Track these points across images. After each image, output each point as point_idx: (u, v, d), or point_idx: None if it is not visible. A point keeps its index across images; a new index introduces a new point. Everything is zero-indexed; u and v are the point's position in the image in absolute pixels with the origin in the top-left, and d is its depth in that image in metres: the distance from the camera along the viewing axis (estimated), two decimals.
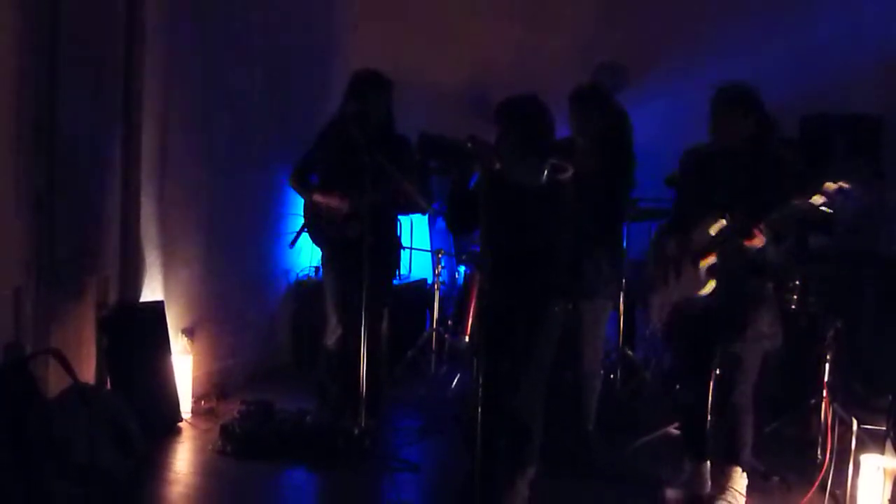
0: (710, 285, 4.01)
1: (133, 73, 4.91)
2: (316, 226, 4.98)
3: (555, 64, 6.94)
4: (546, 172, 3.79)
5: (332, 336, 5.02)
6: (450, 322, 6.29)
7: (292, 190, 5.22)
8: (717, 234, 3.99)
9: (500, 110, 3.98)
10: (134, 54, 4.90)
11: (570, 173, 3.86)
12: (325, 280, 5.12)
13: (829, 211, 3.74)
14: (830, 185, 3.65)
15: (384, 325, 5.13)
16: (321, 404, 5.05)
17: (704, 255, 4.01)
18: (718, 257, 3.98)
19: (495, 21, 7.18)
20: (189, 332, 5.40)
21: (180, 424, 5.06)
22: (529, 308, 3.83)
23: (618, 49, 6.93)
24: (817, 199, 3.69)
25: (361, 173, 4.64)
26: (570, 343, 4.47)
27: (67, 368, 3.92)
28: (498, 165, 3.67)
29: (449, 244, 6.78)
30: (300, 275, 6.60)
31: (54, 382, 4.17)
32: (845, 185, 3.65)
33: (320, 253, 5.24)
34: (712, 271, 4.01)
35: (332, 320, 5.02)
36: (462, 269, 6.46)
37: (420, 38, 7.22)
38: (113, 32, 4.79)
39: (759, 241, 3.86)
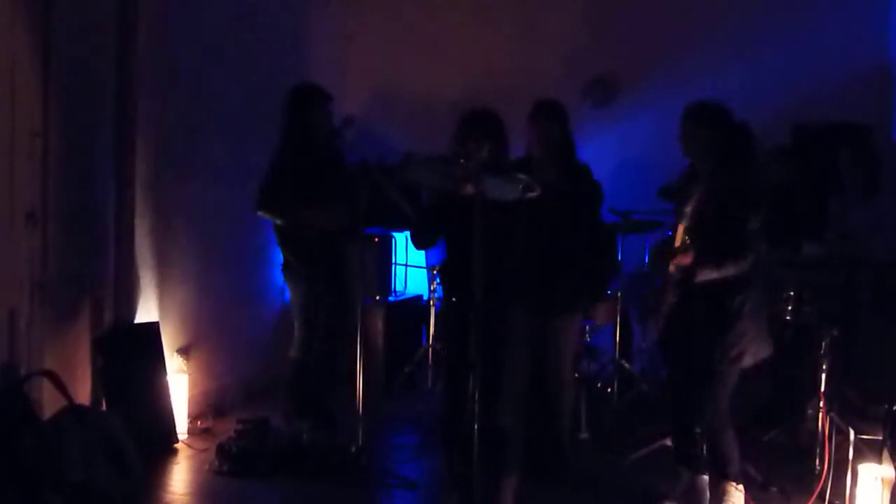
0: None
1: (126, 92, 4.92)
2: (294, 245, 4.97)
3: (547, 77, 6.96)
4: (517, 189, 3.86)
5: (295, 350, 5.07)
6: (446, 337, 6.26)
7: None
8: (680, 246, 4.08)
9: (471, 126, 4.07)
10: (127, 73, 4.91)
11: (538, 191, 3.92)
12: (296, 297, 5.09)
13: None
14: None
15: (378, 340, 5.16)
16: (316, 421, 5.04)
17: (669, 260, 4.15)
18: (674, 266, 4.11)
19: (488, 34, 7.22)
20: (184, 352, 5.39)
21: (176, 444, 5.04)
22: (500, 318, 3.89)
23: (609, 62, 6.96)
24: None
25: (344, 188, 4.70)
26: (542, 355, 4.50)
27: (62, 389, 3.92)
28: (472, 186, 3.73)
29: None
30: None
31: (49, 404, 4.15)
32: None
33: (288, 269, 5.11)
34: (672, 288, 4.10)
35: (299, 334, 5.05)
36: None
37: (414, 51, 7.27)
38: (105, 52, 4.80)
39: (685, 260, 4.00)
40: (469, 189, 3.73)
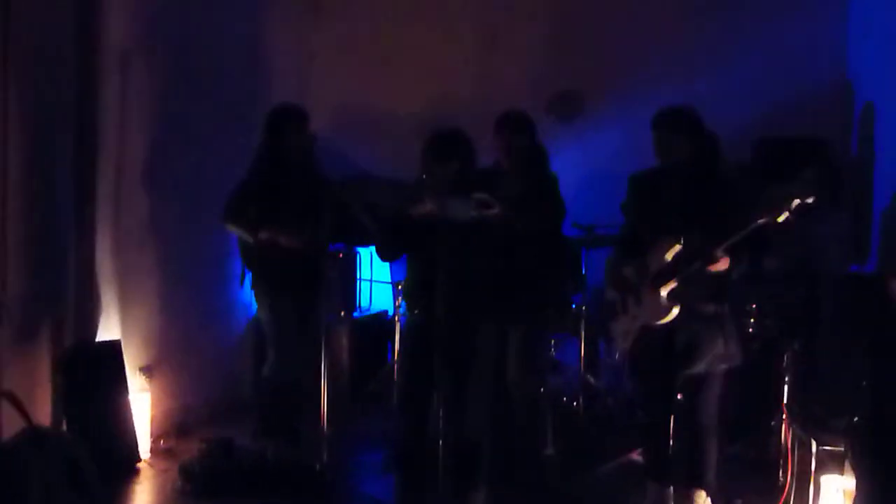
0: (674, 312, 4.03)
1: (87, 109, 4.87)
2: (258, 262, 4.95)
3: (510, 92, 6.99)
4: (473, 209, 3.89)
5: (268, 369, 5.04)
6: None
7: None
8: (674, 259, 4.03)
9: (428, 148, 4.13)
10: (88, 90, 4.86)
11: (495, 210, 3.96)
12: (268, 315, 5.06)
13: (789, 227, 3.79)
14: (795, 201, 3.68)
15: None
16: (280, 440, 5.00)
17: (665, 282, 4.03)
18: (679, 282, 4.00)
19: (451, 50, 7.24)
20: (147, 371, 5.32)
21: (139, 465, 4.98)
22: (462, 334, 3.93)
23: (573, 76, 7.01)
24: (782, 218, 3.71)
25: (312, 207, 4.69)
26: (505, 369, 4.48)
27: (21, 411, 3.84)
28: (430, 205, 3.76)
29: None
30: None
31: (8, 425, 4.07)
32: (809, 200, 3.68)
33: (256, 286, 5.10)
34: (674, 297, 4.04)
35: (272, 354, 5.02)
36: None
37: (376, 67, 7.27)
38: (65, 67, 4.75)
39: (724, 265, 3.91)
40: (426, 208, 3.80)
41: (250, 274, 5.04)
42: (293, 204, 4.85)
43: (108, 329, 5.07)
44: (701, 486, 4.16)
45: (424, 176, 4.27)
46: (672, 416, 4.16)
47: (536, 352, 4.69)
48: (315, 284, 4.94)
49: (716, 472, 4.26)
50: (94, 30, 4.85)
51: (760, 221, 3.73)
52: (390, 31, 7.31)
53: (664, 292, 4.04)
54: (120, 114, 5.12)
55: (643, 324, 4.17)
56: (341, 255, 6.47)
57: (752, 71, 6.53)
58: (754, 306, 5.12)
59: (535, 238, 4.48)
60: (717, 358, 4.08)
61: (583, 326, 5.78)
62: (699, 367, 4.08)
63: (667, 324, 4.05)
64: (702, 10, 6.78)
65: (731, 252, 3.86)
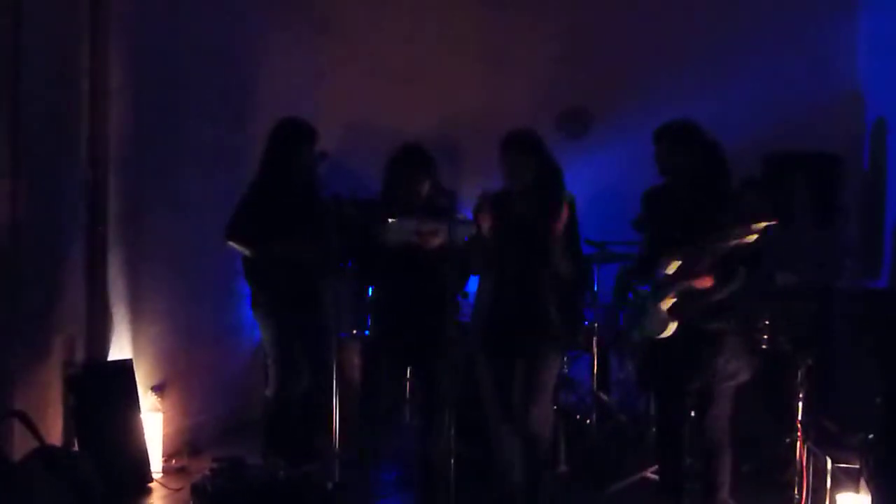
0: (672, 327, 4.03)
1: (99, 125, 4.89)
2: (261, 279, 4.94)
3: (519, 110, 7.01)
4: (410, 235, 3.95)
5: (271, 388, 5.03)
6: None
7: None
8: (674, 275, 4.03)
9: (413, 164, 4.21)
10: (99, 109, 4.88)
11: (438, 241, 4.01)
12: (269, 334, 5.02)
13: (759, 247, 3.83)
14: (760, 224, 3.74)
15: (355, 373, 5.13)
16: (294, 459, 4.98)
17: (664, 296, 4.04)
18: (677, 297, 4.01)
19: (460, 68, 7.27)
20: (159, 389, 5.33)
21: (151, 484, 4.98)
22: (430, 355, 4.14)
23: (581, 94, 7.03)
24: (751, 238, 3.76)
25: (317, 223, 4.70)
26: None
27: (33, 430, 3.85)
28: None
29: None
30: None
31: (20, 445, 4.07)
32: (773, 222, 3.74)
33: (257, 304, 5.04)
34: (673, 312, 4.04)
35: (273, 371, 5.01)
36: None
37: (385, 86, 7.29)
38: (77, 88, 4.78)
39: (707, 282, 3.91)
40: (435, 242, 3.91)
41: (250, 291, 5.02)
42: (296, 220, 4.82)
43: (120, 348, 5.08)
44: (715, 501, 4.13)
45: (398, 192, 4.34)
46: (683, 433, 4.15)
47: (553, 373, 4.36)
48: (319, 302, 4.94)
49: (730, 489, 4.23)
50: (105, 48, 4.87)
51: (731, 244, 3.76)
52: (398, 51, 7.34)
53: (664, 307, 4.04)
54: (132, 132, 5.15)
55: (648, 339, 4.17)
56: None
57: (763, 86, 6.53)
58: (767, 322, 5.09)
59: (550, 258, 4.22)
60: (720, 375, 4.05)
61: (595, 343, 5.76)
62: (699, 384, 4.07)
63: (669, 338, 4.05)
64: (711, 26, 6.79)
65: (715, 270, 3.89)
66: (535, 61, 7.16)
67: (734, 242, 3.80)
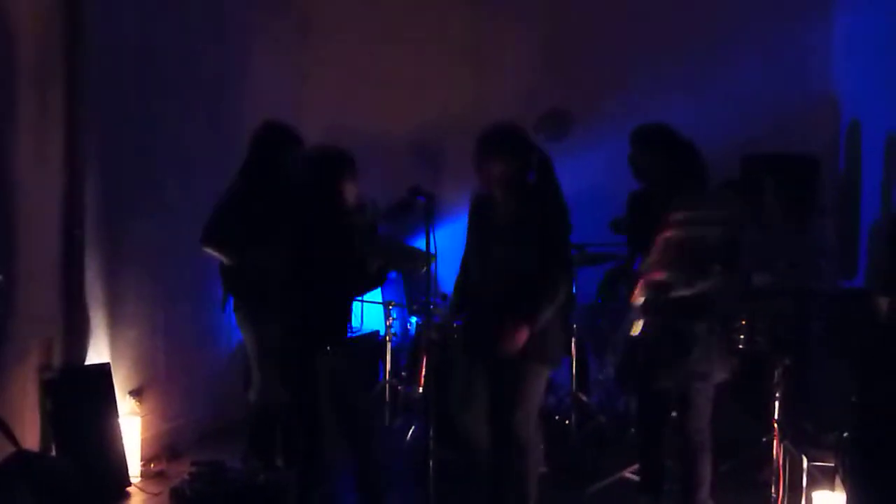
0: (639, 325, 4.07)
1: (75, 130, 4.86)
2: (240, 285, 4.90)
3: (500, 112, 6.97)
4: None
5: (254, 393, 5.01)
6: (403, 373, 6.24)
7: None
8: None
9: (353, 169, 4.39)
10: (76, 111, 4.85)
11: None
12: (251, 339, 4.98)
13: None
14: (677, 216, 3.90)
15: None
16: (271, 462, 4.97)
17: (634, 296, 4.09)
18: (648, 298, 4.06)
19: (442, 71, 7.30)
20: (137, 393, 5.30)
21: (129, 488, 4.95)
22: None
23: (561, 96, 7.06)
24: (670, 234, 3.92)
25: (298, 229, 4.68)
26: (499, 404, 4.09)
27: (9, 435, 3.83)
28: None
29: (400, 295, 6.77)
30: None
31: None
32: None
33: (239, 311, 4.99)
34: (641, 311, 4.09)
35: (257, 377, 4.99)
36: (414, 319, 6.44)
37: (368, 89, 7.31)
38: (53, 89, 4.75)
39: (657, 275, 3.99)
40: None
41: (232, 298, 4.97)
42: (275, 226, 4.77)
43: (98, 352, 5.05)
44: (695, 501, 4.15)
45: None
46: (661, 433, 4.18)
47: (530, 387, 4.09)
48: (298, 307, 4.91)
49: (709, 489, 4.26)
50: (82, 47, 4.84)
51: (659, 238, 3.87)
52: (381, 52, 7.35)
53: (635, 304, 4.09)
54: (110, 134, 5.12)
55: (623, 337, 4.21)
56: None
57: (739, 88, 6.58)
58: (744, 322, 5.12)
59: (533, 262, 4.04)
60: (693, 375, 4.07)
61: (574, 345, 5.78)
62: (671, 383, 4.10)
63: (646, 338, 4.09)
64: (689, 30, 6.84)
65: (672, 265, 3.93)
66: (516, 63, 7.19)
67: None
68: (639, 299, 4.08)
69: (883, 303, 3.28)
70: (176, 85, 5.73)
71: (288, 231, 4.34)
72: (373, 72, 7.34)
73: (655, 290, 4.04)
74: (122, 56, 5.21)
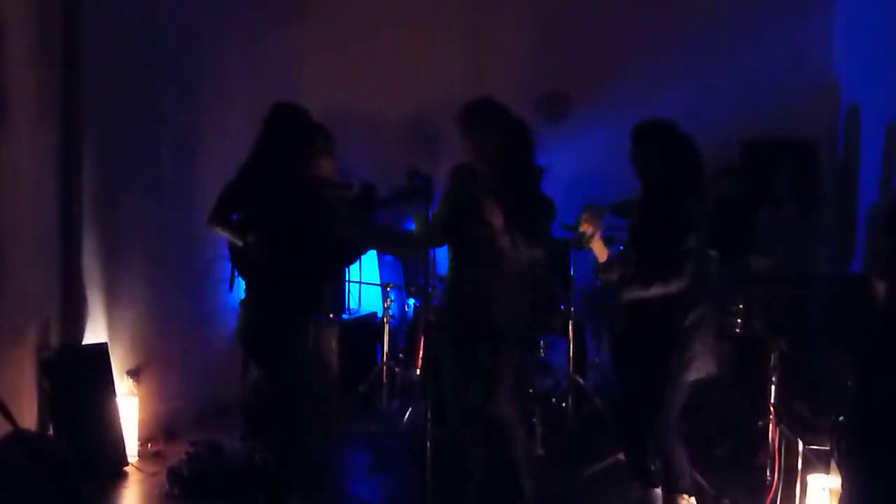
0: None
1: (73, 110, 4.84)
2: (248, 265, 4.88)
3: (498, 93, 6.96)
4: None
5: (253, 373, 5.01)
6: (400, 355, 6.26)
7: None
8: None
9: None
10: (74, 91, 4.83)
11: None
12: None
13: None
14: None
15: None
16: (268, 442, 4.98)
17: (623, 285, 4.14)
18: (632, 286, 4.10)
19: (440, 52, 7.26)
20: (134, 374, 5.30)
21: (126, 468, 4.95)
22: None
23: (560, 78, 7.03)
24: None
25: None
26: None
27: (7, 415, 3.83)
28: None
29: (398, 278, 6.77)
30: None
31: None
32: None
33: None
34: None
35: None
36: (411, 301, 6.45)
37: (365, 70, 7.29)
38: (51, 69, 4.72)
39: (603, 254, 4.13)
40: None
41: (240, 278, 4.96)
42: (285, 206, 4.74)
43: (95, 332, 5.05)
44: (677, 492, 4.14)
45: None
46: (644, 422, 4.15)
47: (510, 372, 4.07)
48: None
49: (703, 472, 4.27)
50: (79, 31, 4.82)
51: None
52: (379, 34, 7.32)
53: (626, 295, 4.09)
54: (107, 116, 5.11)
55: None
56: None
57: (739, 73, 6.57)
58: (741, 307, 5.13)
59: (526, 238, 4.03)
60: (672, 371, 4.04)
61: (571, 327, 5.79)
62: (650, 379, 4.07)
63: (630, 333, 4.10)
64: (690, 13, 6.81)
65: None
66: (515, 45, 7.16)
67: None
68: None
69: (880, 287, 3.27)
70: (174, 66, 5.71)
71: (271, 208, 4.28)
72: (370, 53, 7.32)
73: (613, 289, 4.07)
74: (120, 37, 5.19)
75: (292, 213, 4.17)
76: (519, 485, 4.10)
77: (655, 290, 3.98)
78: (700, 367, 4.05)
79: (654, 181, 4.12)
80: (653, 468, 4.22)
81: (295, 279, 4.19)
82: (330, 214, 4.23)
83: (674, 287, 3.95)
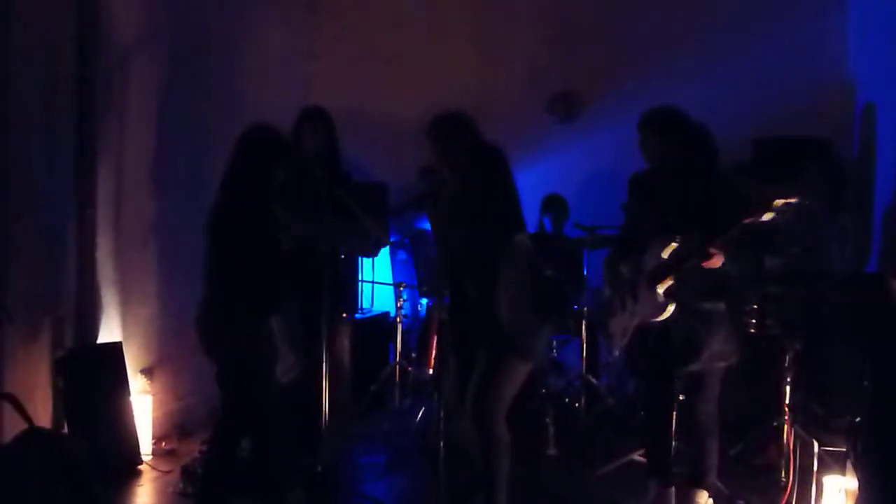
0: (670, 309, 4.04)
1: (88, 108, 4.85)
2: None
3: (511, 93, 7.02)
4: None
5: (287, 373, 4.99)
6: (413, 355, 6.26)
7: None
8: (670, 257, 4.03)
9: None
10: (87, 92, 4.84)
11: None
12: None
13: (778, 225, 3.80)
14: (778, 202, 3.71)
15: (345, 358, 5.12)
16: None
17: (662, 279, 4.04)
18: (675, 280, 4.01)
19: (452, 52, 7.26)
20: (148, 372, 5.32)
21: (140, 466, 4.98)
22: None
23: (572, 78, 7.02)
24: (768, 216, 3.74)
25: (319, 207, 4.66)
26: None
27: (22, 413, 3.84)
28: None
29: (410, 277, 6.76)
30: None
31: (9, 427, 4.07)
32: (793, 200, 3.70)
33: None
34: (670, 295, 4.05)
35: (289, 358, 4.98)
36: (424, 301, 6.44)
37: (377, 69, 7.28)
38: (65, 71, 4.74)
39: (717, 262, 3.91)
40: None
41: None
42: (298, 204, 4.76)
43: (110, 331, 5.07)
44: (702, 487, 4.15)
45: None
46: (673, 416, 4.17)
47: (503, 380, 3.95)
48: (317, 286, 4.91)
49: (717, 473, 4.26)
50: (94, 29, 4.83)
51: (746, 221, 3.76)
52: (391, 34, 7.32)
53: (661, 290, 4.06)
54: (121, 114, 5.12)
55: (640, 321, 4.18)
56: (343, 256, 6.45)
57: (753, 71, 6.54)
58: (756, 306, 5.11)
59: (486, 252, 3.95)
60: (713, 355, 4.07)
61: (584, 327, 5.77)
62: (696, 366, 4.08)
63: (663, 321, 4.07)
64: (702, 11, 6.79)
65: (724, 249, 3.88)
66: (526, 44, 7.16)
67: (752, 220, 3.78)
68: (667, 284, 4.04)
69: None
70: (187, 64, 5.72)
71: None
72: (382, 51, 7.32)
73: (703, 276, 3.98)
74: (132, 37, 5.20)
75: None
76: (492, 501, 3.96)
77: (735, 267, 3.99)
78: (736, 351, 4.08)
79: (669, 165, 4.11)
80: (674, 469, 4.22)
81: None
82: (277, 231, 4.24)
83: (742, 262, 3.98)
